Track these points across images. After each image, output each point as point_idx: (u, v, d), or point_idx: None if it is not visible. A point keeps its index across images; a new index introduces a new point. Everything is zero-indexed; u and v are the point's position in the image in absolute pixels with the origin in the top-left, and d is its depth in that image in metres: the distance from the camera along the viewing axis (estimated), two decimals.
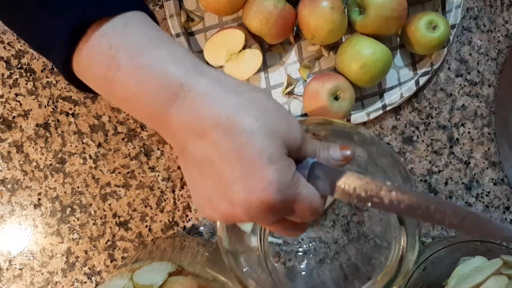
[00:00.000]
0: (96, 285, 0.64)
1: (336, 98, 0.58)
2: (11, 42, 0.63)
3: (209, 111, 0.33)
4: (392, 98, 0.61)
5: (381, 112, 0.61)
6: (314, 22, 0.56)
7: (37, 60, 0.63)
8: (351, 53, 0.57)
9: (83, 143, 0.63)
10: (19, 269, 0.63)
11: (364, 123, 0.63)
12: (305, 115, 0.62)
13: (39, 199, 0.63)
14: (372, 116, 0.61)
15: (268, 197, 0.32)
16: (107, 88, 0.36)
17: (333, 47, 0.62)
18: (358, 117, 0.61)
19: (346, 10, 0.57)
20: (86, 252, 0.63)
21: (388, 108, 0.61)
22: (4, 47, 0.63)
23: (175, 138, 0.35)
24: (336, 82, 0.58)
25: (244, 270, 0.46)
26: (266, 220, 0.34)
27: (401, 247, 0.43)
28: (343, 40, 0.61)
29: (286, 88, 0.61)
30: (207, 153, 0.33)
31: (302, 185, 0.34)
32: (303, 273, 0.57)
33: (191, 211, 0.64)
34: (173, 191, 0.64)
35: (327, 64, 0.62)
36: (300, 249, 0.58)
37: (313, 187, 0.35)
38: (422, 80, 0.61)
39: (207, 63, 0.61)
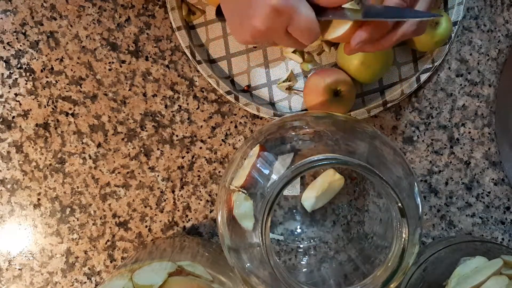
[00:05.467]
0: (96, 285, 0.64)
1: (337, 93, 0.58)
2: (11, 42, 0.63)
3: None
4: (393, 95, 0.61)
5: (381, 108, 0.61)
6: None
7: (37, 60, 0.63)
8: None
9: (82, 143, 0.63)
10: (19, 269, 0.63)
11: (365, 121, 0.63)
12: (305, 110, 0.62)
13: (38, 199, 0.63)
14: (373, 112, 0.61)
15: (274, 2, 0.42)
16: None
17: (334, 42, 0.62)
18: (359, 113, 0.61)
19: None
20: (85, 252, 0.63)
21: (388, 105, 0.61)
22: (4, 47, 0.63)
23: None
24: (337, 78, 0.58)
25: (246, 266, 0.46)
26: (276, 24, 0.43)
27: (403, 239, 0.43)
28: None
29: (285, 81, 0.61)
30: None
31: (302, 3, 0.43)
32: (303, 270, 0.57)
33: (191, 211, 0.64)
34: (173, 191, 0.64)
35: (328, 59, 0.62)
36: (300, 248, 0.58)
37: (311, 8, 0.43)
38: (423, 77, 0.61)
39: (208, 57, 0.61)
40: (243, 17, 0.44)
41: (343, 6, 0.44)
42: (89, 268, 0.64)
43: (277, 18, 0.43)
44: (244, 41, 0.47)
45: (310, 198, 0.59)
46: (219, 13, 0.53)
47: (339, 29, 0.46)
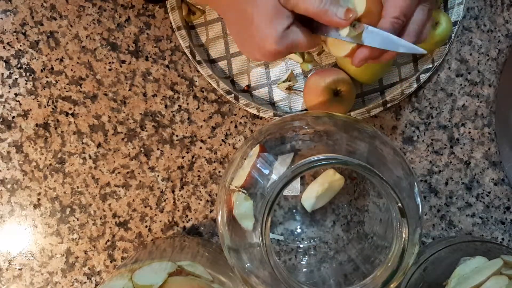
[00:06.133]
0: (96, 285, 0.64)
1: (337, 93, 0.58)
2: (11, 42, 0.63)
3: None
4: (393, 95, 0.61)
5: (381, 108, 0.61)
6: None
7: (37, 60, 0.63)
8: None
9: (82, 143, 0.63)
10: (19, 269, 0.63)
11: (365, 121, 0.63)
12: (305, 110, 0.62)
13: (38, 199, 0.63)
14: (373, 112, 0.61)
15: (271, 48, 0.45)
16: None
17: None
18: (359, 113, 0.61)
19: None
20: (85, 252, 0.63)
21: (388, 105, 0.61)
22: (4, 47, 0.63)
23: (220, 9, 0.50)
24: (337, 78, 0.58)
25: (246, 266, 0.46)
26: (279, 57, 0.47)
27: (403, 239, 0.43)
28: None
29: (285, 81, 0.61)
30: (236, 19, 0.47)
31: (297, 35, 0.46)
32: (303, 270, 0.57)
33: (191, 211, 0.64)
34: (173, 191, 0.64)
35: (328, 59, 0.62)
36: (300, 248, 0.58)
37: (307, 33, 0.46)
38: (423, 77, 0.61)
39: (208, 57, 0.61)
40: (245, 44, 0.48)
41: (340, 34, 0.45)
42: (89, 268, 0.64)
43: (277, 55, 0.46)
44: (253, 58, 0.50)
45: (310, 198, 0.59)
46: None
47: (343, 50, 0.47)
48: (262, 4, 0.44)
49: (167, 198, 0.64)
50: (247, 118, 0.63)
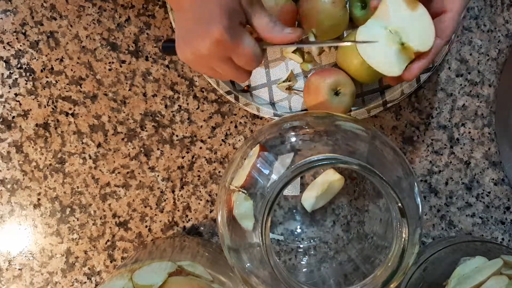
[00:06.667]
0: (96, 285, 0.64)
1: (337, 93, 0.58)
2: (11, 42, 0.63)
3: None
4: (393, 95, 0.61)
5: (381, 109, 0.61)
6: (314, 18, 0.56)
7: (37, 60, 0.63)
8: (352, 49, 0.57)
9: (82, 143, 0.63)
10: (19, 269, 0.63)
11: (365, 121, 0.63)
12: (305, 110, 0.62)
13: (38, 199, 0.63)
14: (373, 112, 0.61)
15: (218, 33, 0.43)
16: None
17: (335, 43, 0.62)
18: (359, 113, 0.61)
19: (348, 5, 0.57)
20: (85, 252, 0.63)
21: (388, 105, 0.61)
22: (4, 47, 0.63)
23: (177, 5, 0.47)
24: (337, 78, 0.58)
25: (246, 266, 0.46)
26: (220, 52, 0.45)
27: (403, 239, 0.43)
28: (345, 35, 0.61)
29: (285, 81, 0.61)
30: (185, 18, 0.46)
31: (245, 35, 0.45)
32: (303, 270, 0.57)
33: (191, 211, 0.64)
34: (173, 191, 0.64)
35: (328, 59, 0.62)
36: (300, 248, 0.58)
37: (253, 40, 0.46)
38: (423, 77, 0.61)
39: None
40: (192, 36, 0.46)
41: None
42: (89, 268, 0.64)
43: (221, 47, 0.44)
44: (184, 58, 0.47)
45: (310, 198, 0.59)
46: (165, 49, 0.53)
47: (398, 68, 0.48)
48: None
49: (167, 198, 0.64)
50: (247, 118, 0.63)
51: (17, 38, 0.63)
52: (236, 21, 0.45)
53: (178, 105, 0.63)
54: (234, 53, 0.46)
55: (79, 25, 0.63)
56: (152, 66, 0.63)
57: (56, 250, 0.63)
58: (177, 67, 0.63)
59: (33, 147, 0.63)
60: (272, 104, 0.63)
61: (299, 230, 0.59)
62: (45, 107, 0.63)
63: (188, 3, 0.45)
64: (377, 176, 0.42)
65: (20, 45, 0.63)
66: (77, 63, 0.63)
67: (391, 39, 0.47)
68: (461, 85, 0.63)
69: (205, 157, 0.64)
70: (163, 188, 0.64)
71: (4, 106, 0.63)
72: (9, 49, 0.63)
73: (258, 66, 0.48)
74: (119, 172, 0.63)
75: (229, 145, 0.64)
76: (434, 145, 0.64)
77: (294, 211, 0.60)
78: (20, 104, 0.63)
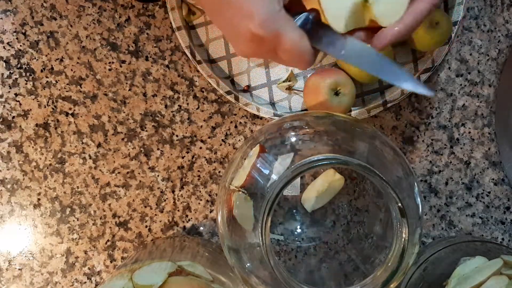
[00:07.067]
0: (96, 285, 0.64)
1: (337, 93, 0.58)
2: (11, 42, 0.63)
3: None
4: (393, 95, 0.61)
5: (381, 109, 0.61)
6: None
7: (37, 60, 0.63)
8: None
9: (82, 143, 0.63)
10: (19, 269, 0.63)
11: (365, 121, 0.63)
12: (305, 110, 0.62)
13: (38, 199, 0.63)
14: (373, 112, 0.61)
15: (255, 30, 0.37)
16: None
17: None
18: (359, 113, 0.61)
19: None
20: (85, 252, 0.63)
21: (388, 105, 0.61)
22: (4, 47, 0.63)
23: None
24: (337, 77, 0.58)
25: (246, 266, 0.46)
26: (262, 49, 0.38)
27: (403, 239, 0.43)
28: None
29: (285, 81, 0.61)
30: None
31: (288, 26, 0.37)
32: (303, 270, 0.57)
33: (191, 211, 0.64)
34: (173, 191, 0.64)
35: (328, 59, 0.62)
36: (300, 248, 0.58)
37: (301, 31, 0.38)
38: (423, 77, 0.61)
39: (208, 57, 0.61)
40: (231, 38, 0.40)
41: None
42: (89, 268, 0.64)
43: (260, 43, 0.38)
44: (244, 56, 0.43)
45: (310, 198, 0.59)
46: None
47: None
48: None
49: (167, 198, 0.64)
50: (247, 118, 0.63)
51: (17, 38, 0.63)
52: (277, 6, 0.37)
53: (178, 105, 0.63)
54: (276, 48, 0.39)
55: (79, 25, 0.63)
56: (152, 66, 0.63)
57: (56, 250, 0.63)
58: (177, 67, 0.63)
59: (33, 147, 0.63)
60: (272, 104, 0.63)
61: (299, 230, 0.59)
62: (45, 107, 0.63)
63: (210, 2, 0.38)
64: (377, 176, 0.42)
65: (20, 45, 0.63)
66: (77, 63, 0.63)
67: None
68: (461, 85, 0.63)
69: (205, 157, 0.63)
70: (163, 188, 0.64)
71: (4, 106, 0.63)
72: (9, 49, 0.63)
73: (310, 66, 0.41)
74: (119, 172, 0.63)
75: (229, 145, 0.64)
76: (434, 145, 0.64)
77: (294, 211, 0.60)
78: (20, 104, 0.63)
